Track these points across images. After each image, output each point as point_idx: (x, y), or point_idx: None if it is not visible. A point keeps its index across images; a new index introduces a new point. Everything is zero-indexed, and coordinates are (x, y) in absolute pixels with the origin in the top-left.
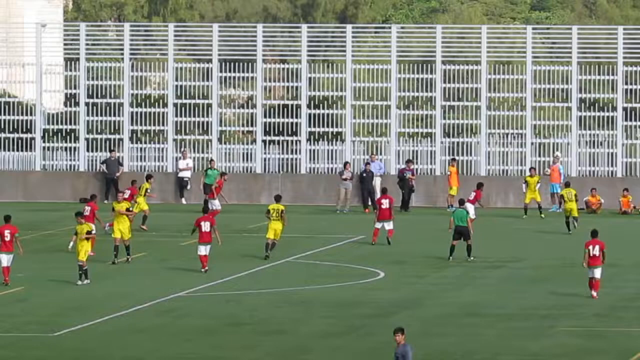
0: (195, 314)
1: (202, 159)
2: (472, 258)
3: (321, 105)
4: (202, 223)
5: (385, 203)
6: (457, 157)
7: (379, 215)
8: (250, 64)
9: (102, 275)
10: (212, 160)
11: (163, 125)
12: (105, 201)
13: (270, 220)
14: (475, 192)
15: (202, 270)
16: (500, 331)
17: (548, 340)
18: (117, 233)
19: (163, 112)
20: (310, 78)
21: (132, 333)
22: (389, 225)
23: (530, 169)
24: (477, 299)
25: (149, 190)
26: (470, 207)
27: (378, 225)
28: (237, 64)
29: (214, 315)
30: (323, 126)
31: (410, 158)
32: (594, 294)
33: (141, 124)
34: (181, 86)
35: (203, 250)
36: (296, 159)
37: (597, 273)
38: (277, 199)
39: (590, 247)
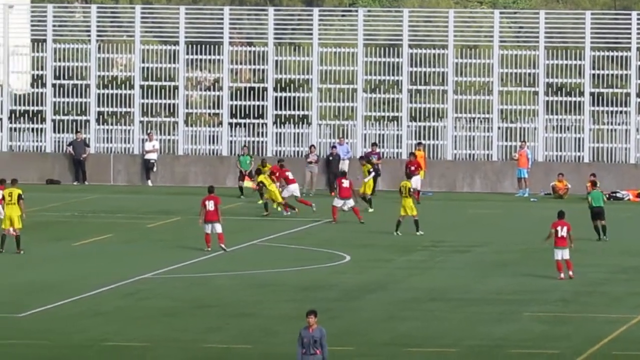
0: (159, 296)
1: (167, 140)
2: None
3: (287, 88)
4: (207, 202)
5: (345, 182)
6: (423, 141)
7: (340, 192)
8: (216, 46)
9: (65, 256)
10: (245, 146)
11: (130, 107)
12: (75, 183)
13: (402, 197)
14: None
15: (206, 249)
16: (465, 316)
17: (513, 325)
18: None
19: (130, 94)
20: (276, 61)
21: (95, 315)
22: (350, 203)
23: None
24: (443, 284)
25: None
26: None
27: (339, 203)
28: (203, 46)
29: (178, 297)
30: (289, 109)
31: (376, 142)
32: (570, 274)
33: (108, 106)
34: (148, 68)
35: (208, 229)
36: (262, 142)
37: (566, 254)
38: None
39: (559, 228)
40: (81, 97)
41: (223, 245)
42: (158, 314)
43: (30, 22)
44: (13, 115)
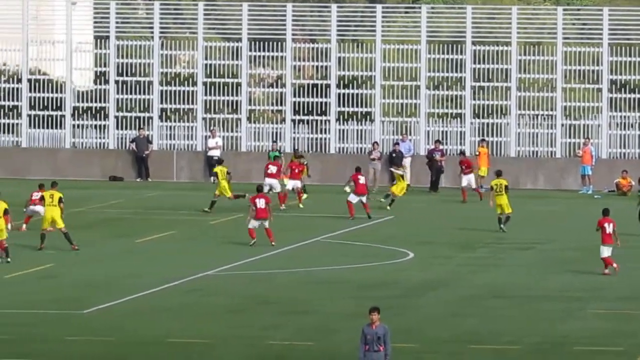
0: (222, 293)
1: (231, 137)
2: None
3: (350, 85)
4: (257, 200)
5: (362, 179)
6: (486, 138)
7: (357, 189)
8: (279, 43)
9: (128, 253)
10: (274, 141)
11: (192, 103)
12: (138, 179)
13: (496, 195)
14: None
15: (252, 242)
16: (527, 313)
17: (576, 323)
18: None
19: (192, 91)
20: (339, 58)
21: (159, 312)
22: (366, 199)
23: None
24: (504, 281)
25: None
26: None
27: (354, 199)
28: (266, 43)
29: (241, 294)
30: (352, 106)
31: (439, 139)
32: (615, 266)
33: (170, 103)
34: (210, 65)
35: (255, 224)
36: (325, 139)
37: (611, 250)
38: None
39: (606, 225)
40: (144, 94)
41: (273, 242)
42: (221, 311)
43: (93, 19)
44: (76, 112)
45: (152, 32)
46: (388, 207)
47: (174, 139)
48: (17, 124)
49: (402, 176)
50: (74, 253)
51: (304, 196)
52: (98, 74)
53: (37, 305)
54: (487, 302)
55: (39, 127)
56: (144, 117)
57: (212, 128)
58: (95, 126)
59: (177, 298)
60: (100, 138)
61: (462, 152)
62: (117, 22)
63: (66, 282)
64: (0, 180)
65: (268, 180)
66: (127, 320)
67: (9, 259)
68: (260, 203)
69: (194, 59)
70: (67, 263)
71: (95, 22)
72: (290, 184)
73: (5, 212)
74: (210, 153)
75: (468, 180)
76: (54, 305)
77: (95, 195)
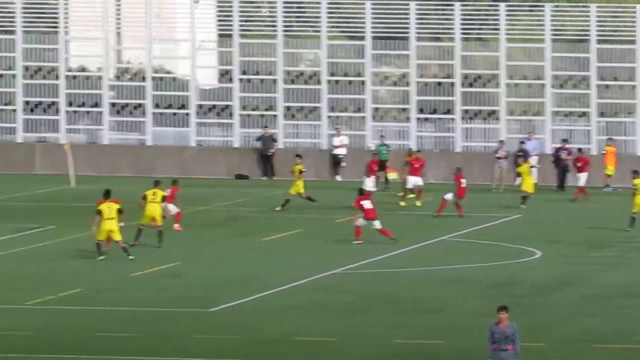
0: (349, 291)
1: (355, 136)
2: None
3: (475, 83)
4: (363, 202)
5: (464, 182)
6: (613, 137)
7: (458, 192)
8: (403, 41)
9: (255, 251)
10: (382, 135)
11: (317, 102)
12: (264, 178)
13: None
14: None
15: (356, 241)
16: None
17: None
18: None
19: (317, 89)
20: (463, 56)
21: (287, 310)
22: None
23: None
24: (633, 280)
25: (303, 171)
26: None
27: (450, 196)
28: (390, 41)
29: (368, 292)
30: (477, 104)
31: (566, 137)
32: None
33: (295, 101)
34: (334, 63)
35: (363, 222)
36: (450, 137)
37: None
38: None
39: None
40: (268, 92)
41: (392, 238)
42: (348, 309)
43: (216, 17)
44: (200, 110)
45: (276, 31)
46: (523, 206)
47: (299, 137)
48: (142, 122)
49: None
50: (201, 251)
51: (411, 196)
52: (222, 72)
53: (164, 303)
54: (614, 301)
55: (164, 125)
56: (268, 116)
57: (337, 126)
58: (220, 124)
59: (305, 296)
60: (225, 136)
61: (580, 150)
62: (240, 20)
63: (192, 280)
64: (126, 178)
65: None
66: (254, 318)
67: (131, 256)
68: (367, 204)
69: (318, 57)
70: (193, 261)
71: (218, 20)
72: (411, 181)
73: (119, 211)
74: (336, 151)
75: (581, 178)
76: (180, 304)
77: (221, 193)
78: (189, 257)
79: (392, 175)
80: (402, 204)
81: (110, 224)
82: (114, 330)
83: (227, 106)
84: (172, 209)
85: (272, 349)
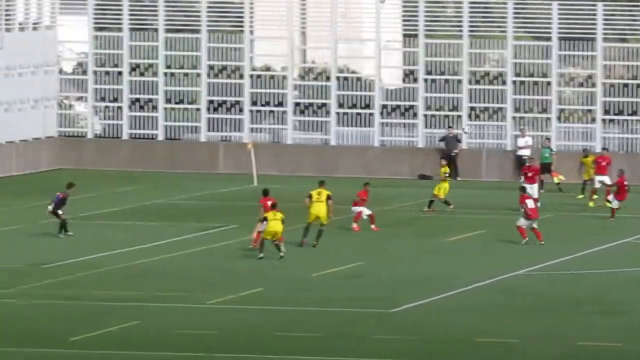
0: (532, 293)
1: (540, 137)
2: None
3: None
4: (527, 201)
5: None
6: None
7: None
8: (589, 42)
9: (437, 252)
10: (547, 138)
11: (502, 102)
12: (457, 178)
13: None
14: None
15: (522, 243)
16: None
17: None
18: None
19: (502, 90)
20: None
21: (468, 311)
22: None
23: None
24: None
25: (446, 174)
26: None
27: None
28: (576, 42)
29: (551, 294)
30: None
31: None
32: None
33: (479, 101)
34: (520, 64)
35: (526, 223)
36: (636, 139)
37: None
38: None
39: None
40: (453, 92)
41: (541, 242)
42: (531, 311)
43: (401, 17)
44: (385, 110)
45: (461, 31)
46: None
47: (483, 137)
48: (325, 122)
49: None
50: (383, 251)
51: (579, 196)
52: (407, 72)
53: (345, 303)
54: None
55: (348, 125)
56: (452, 116)
57: (521, 127)
58: (404, 124)
59: (487, 297)
60: (409, 136)
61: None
62: (425, 20)
63: (374, 280)
64: (309, 178)
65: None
66: (435, 319)
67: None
68: (531, 203)
69: (503, 57)
70: (375, 261)
71: (404, 21)
72: (598, 179)
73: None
74: (520, 152)
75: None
76: (361, 304)
77: (404, 193)
78: (371, 257)
79: (558, 179)
80: (591, 204)
81: (276, 225)
82: (293, 330)
83: (411, 106)
84: (365, 211)
85: (453, 349)
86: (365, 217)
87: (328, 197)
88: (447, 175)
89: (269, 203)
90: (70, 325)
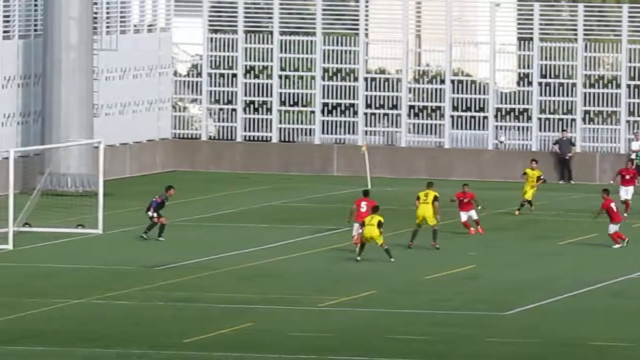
0: None
1: None
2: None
3: None
4: (612, 205)
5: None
6: None
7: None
8: None
9: (551, 255)
10: None
11: (616, 106)
12: (561, 181)
13: None
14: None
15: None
16: None
17: None
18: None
19: (616, 94)
20: None
21: (582, 314)
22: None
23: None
24: None
25: (541, 177)
26: None
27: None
28: None
29: None
30: None
31: None
32: None
33: (594, 105)
34: (634, 67)
35: (615, 227)
36: None
37: None
38: None
39: None
40: (567, 95)
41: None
42: None
43: (516, 20)
44: (499, 113)
45: (576, 34)
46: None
47: (597, 141)
48: (440, 124)
49: None
50: (496, 254)
51: None
52: (521, 75)
53: (458, 306)
54: None
55: (461, 128)
56: (566, 119)
57: (635, 131)
58: (518, 128)
59: (600, 300)
60: (523, 139)
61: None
62: (540, 24)
63: (487, 283)
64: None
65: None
66: (548, 322)
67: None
68: (615, 207)
69: (618, 61)
70: (488, 264)
71: (519, 24)
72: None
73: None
74: (634, 156)
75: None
76: (474, 306)
77: (518, 196)
78: (484, 260)
79: None
80: None
81: (371, 231)
82: (406, 333)
83: (525, 109)
84: (473, 214)
85: (567, 352)
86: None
87: (435, 199)
88: (540, 178)
89: (363, 204)
90: (183, 327)
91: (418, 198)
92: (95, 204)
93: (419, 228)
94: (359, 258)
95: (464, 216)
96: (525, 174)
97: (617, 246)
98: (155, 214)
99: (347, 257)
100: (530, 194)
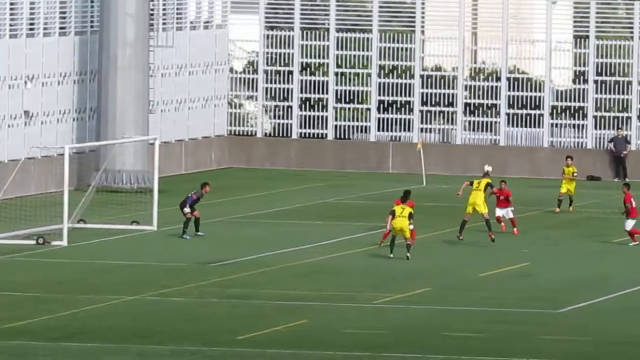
0: None
1: None
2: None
3: None
4: (631, 200)
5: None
6: None
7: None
8: None
9: (604, 253)
10: None
11: None
12: (616, 179)
13: None
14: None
15: (630, 244)
16: None
17: None
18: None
19: None
20: None
21: (633, 312)
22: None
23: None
24: None
25: (575, 174)
26: None
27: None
28: None
29: None
30: None
31: None
32: None
33: None
34: None
35: (630, 225)
36: None
37: None
38: None
39: None
40: (622, 93)
41: (635, 242)
42: None
43: (572, 18)
44: (554, 111)
45: (632, 32)
46: None
47: None
48: (495, 122)
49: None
50: (549, 252)
51: None
52: (577, 73)
53: (512, 303)
54: None
55: (517, 126)
56: (622, 117)
57: None
58: (573, 125)
59: None
60: (578, 137)
61: None
62: (597, 21)
63: (540, 281)
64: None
65: None
66: (600, 320)
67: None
68: (634, 202)
69: None
70: (542, 262)
71: (575, 21)
72: None
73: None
74: None
75: None
76: (528, 304)
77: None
78: (538, 258)
79: None
80: None
81: (401, 222)
82: (460, 330)
83: (580, 107)
84: (508, 212)
85: (619, 351)
86: (506, 217)
87: (488, 185)
88: (575, 174)
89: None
90: (237, 323)
91: (471, 183)
92: (150, 200)
93: (467, 219)
94: (391, 255)
95: (499, 212)
96: (563, 172)
97: (633, 244)
98: (189, 210)
99: (401, 254)
100: (565, 190)
